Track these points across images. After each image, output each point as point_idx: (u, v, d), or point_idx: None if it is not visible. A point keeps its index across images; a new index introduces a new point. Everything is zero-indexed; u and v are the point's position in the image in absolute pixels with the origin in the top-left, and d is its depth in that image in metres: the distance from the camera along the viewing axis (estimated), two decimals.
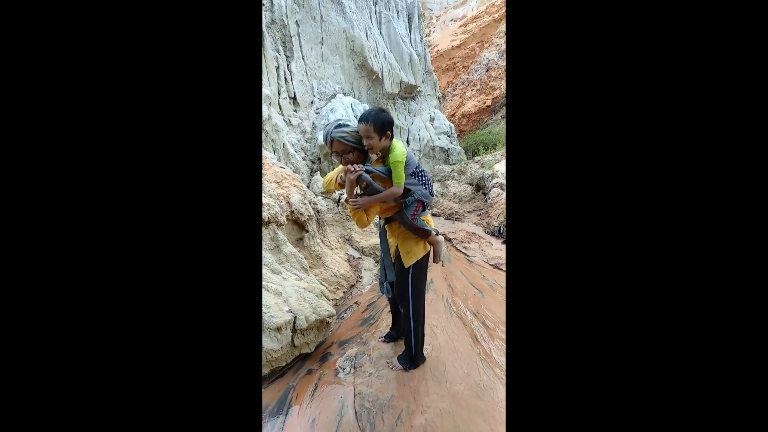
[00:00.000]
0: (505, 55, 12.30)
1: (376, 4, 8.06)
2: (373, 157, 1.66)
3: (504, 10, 13.63)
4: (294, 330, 1.99)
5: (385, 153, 1.59)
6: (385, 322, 2.45)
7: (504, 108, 10.80)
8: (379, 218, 1.87)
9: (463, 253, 4.00)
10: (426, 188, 1.73)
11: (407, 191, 1.64)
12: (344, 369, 1.99)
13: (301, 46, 5.99)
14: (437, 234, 1.78)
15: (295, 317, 1.98)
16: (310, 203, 3.07)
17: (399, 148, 1.56)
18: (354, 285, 3.12)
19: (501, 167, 5.75)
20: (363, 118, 1.50)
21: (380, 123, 1.50)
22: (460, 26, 15.26)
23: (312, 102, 5.73)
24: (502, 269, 3.42)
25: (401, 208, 1.67)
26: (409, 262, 1.74)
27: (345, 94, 6.28)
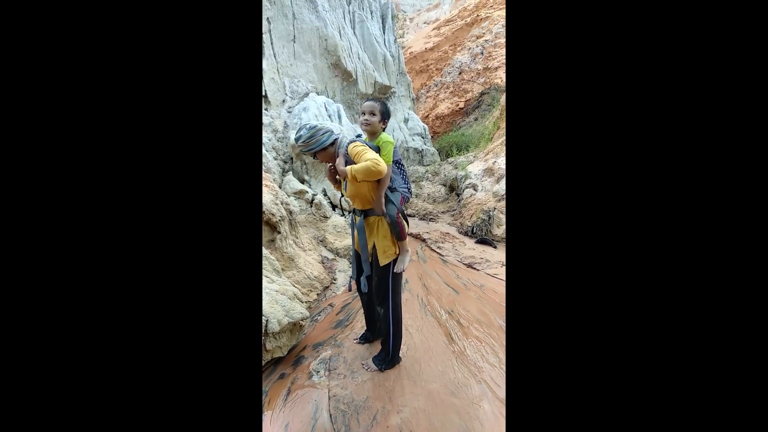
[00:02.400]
0: (476, 59, 12.56)
1: (350, 3, 8.02)
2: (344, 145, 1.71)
3: (476, 14, 13.92)
4: (265, 333, 1.93)
5: (374, 138, 1.72)
6: (360, 324, 2.43)
7: (476, 110, 11.02)
8: (354, 213, 1.85)
9: (438, 252, 4.03)
10: (405, 183, 1.76)
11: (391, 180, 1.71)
12: (318, 372, 1.95)
13: (272, 44, 5.86)
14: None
15: (267, 320, 1.92)
16: (282, 204, 3.00)
17: (387, 135, 1.71)
18: (328, 287, 3.08)
19: (474, 168, 5.86)
20: (372, 99, 1.71)
21: (385, 108, 1.71)
22: (434, 29, 15.46)
23: (284, 100, 5.62)
24: (475, 268, 3.47)
25: (385, 200, 1.69)
26: (384, 261, 1.73)
27: (318, 93, 6.20)
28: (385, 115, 1.70)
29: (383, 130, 1.72)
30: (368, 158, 1.51)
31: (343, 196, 1.76)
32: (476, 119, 10.65)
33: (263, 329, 1.91)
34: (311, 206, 4.03)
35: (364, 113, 1.67)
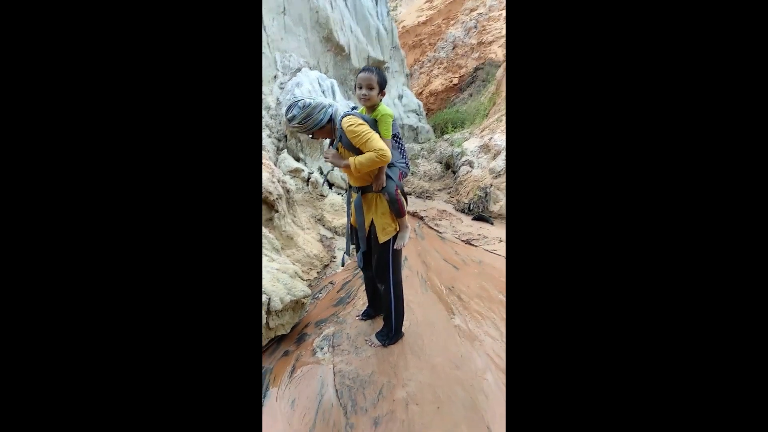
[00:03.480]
0: (469, 33, 12.25)
1: None
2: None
3: None
4: (268, 312, 1.92)
5: (371, 111, 1.64)
6: (362, 300, 2.43)
7: (471, 86, 10.83)
8: (349, 189, 1.81)
9: (435, 230, 4.03)
10: (402, 157, 1.72)
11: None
12: (322, 348, 1.96)
13: (261, 16, 5.62)
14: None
15: (269, 299, 1.91)
16: (278, 182, 2.94)
17: (386, 107, 1.63)
18: (328, 265, 3.07)
19: (469, 145, 5.80)
20: (367, 69, 1.59)
21: (382, 78, 1.59)
22: (426, 2, 14.97)
23: (275, 76, 5.44)
24: (473, 245, 3.48)
25: (383, 176, 1.63)
26: (384, 238, 1.71)
27: (311, 68, 6.01)
28: (383, 85, 1.60)
29: (380, 101, 1.64)
30: (373, 148, 1.46)
31: (333, 169, 1.72)
32: (471, 95, 10.48)
33: (266, 307, 1.90)
34: (307, 185, 3.98)
35: (361, 87, 1.57)
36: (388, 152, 1.48)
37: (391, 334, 1.92)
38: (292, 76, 5.26)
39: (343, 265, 1.97)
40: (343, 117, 1.54)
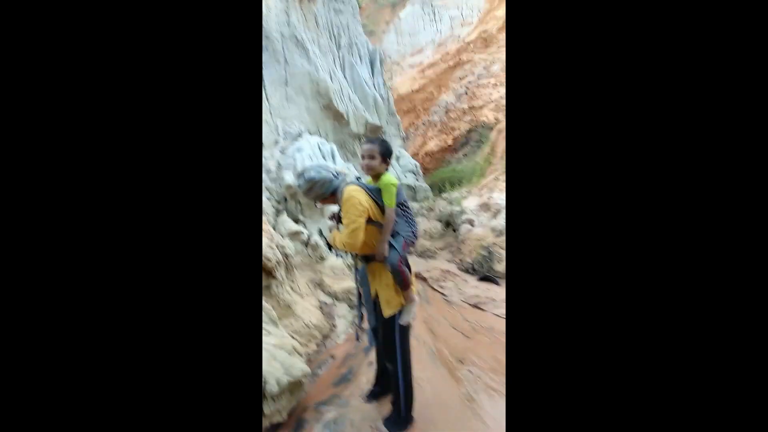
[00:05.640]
0: (461, 98, 13.03)
1: (340, 48, 8.33)
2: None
3: (458, 57, 14.61)
4: (263, 397, 1.71)
5: (376, 180, 1.64)
6: (366, 378, 2.21)
7: (465, 147, 11.25)
8: (355, 258, 1.72)
9: (440, 292, 3.86)
10: (409, 226, 1.64)
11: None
12: None
13: (264, 88, 5.95)
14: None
15: (265, 381, 1.72)
16: (277, 247, 2.85)
17: (391, 176, 1.63)
18: (328, 336, 2.86)
19: (469, 204, 5.83)
20: (370, 141, 1.63)
21: (385, 149, 1.61)
22: (418, 72, 16.13)
23: (276, 141, 5.62)
24: (482, 309, 3.31)
25: (385, 246, 1.54)
26: (388, 311, 1.58)
27: (311, 134, 6.24)
28: (386, 155, 1.61)
29: (386, 170, 1.63)
30: (345, 233, 1.49)
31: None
32: (465, 155, 10.84)
33: (261, 392, 1.70)
34: (307, 247, 3.88)
35: (363, 157, 1.61)
36: (360, 236, 1.47)
37: (400, 419, 1.71)
38: (294, 141, 5.42)
39: (357, 339, 1.80)
40: (345, 188, 1.52)
